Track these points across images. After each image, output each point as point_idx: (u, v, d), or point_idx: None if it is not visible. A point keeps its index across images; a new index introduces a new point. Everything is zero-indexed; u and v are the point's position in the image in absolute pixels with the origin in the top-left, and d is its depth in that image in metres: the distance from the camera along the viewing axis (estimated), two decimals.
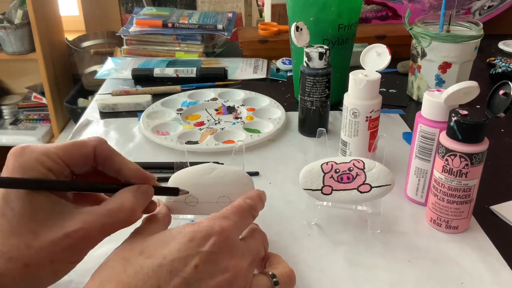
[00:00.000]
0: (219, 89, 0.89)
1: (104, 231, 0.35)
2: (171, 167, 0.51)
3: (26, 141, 2.12)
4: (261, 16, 1.51)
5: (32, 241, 0.32)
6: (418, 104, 0.86)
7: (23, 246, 0.32)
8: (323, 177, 0.50)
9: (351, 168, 0.50)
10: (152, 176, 0.40)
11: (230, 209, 0.38)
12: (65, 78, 2.25)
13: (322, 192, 0.50)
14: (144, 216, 0.42)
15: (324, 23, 0.76)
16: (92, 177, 0.39)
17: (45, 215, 0.33)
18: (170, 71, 0.95)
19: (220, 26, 1.09)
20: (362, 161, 0.50)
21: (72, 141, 0.37)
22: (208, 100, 0.84)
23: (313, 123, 0.72)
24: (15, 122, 2.22)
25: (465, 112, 0.47)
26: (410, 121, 0.79)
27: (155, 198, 0.46)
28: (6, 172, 0.34)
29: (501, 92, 0.49)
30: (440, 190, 0.50)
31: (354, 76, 0.59)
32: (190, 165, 0.48)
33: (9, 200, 0.33)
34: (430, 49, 0.79)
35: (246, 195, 0.41)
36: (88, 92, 2.16)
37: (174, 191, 0.44)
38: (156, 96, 0.86)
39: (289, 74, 1.00)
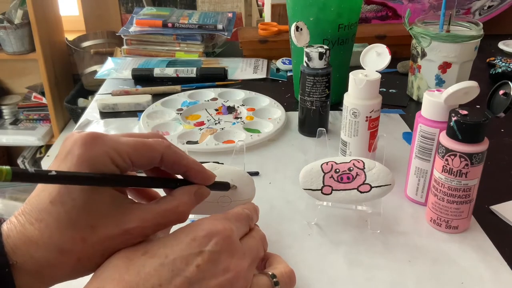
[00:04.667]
0: (219, 89, 0.89)
1: (157, 229, 0.35)
2: None
3: (26, 141, 2.12)
4: (261, 16, 1.51)
5: (89, 235, 0.31)
6: (418, 104, 0.86)
7: (78, 239, 0.31)
8: (323, 177, 0.50)
9: (351, 168, 0.50)
10: (213, 175, 0.40)
11: (230, 213, 0.39)
12: (65, 78, 2.25)
13: (322, 192, 0.50)
14: None
15: (324, 23, 0.76)
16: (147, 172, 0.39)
17: (105, 209, 0.32)
18: (170, 71, 0.95)
19: (220, 26, 1.09)
20: (362, 161, 0.50)
21: (143, 141, 0.35)
22: (208, 100, 0.84)
23: (313, 123, 0.72)
24: (15, 122, 2.22)
25: (465, 112, 0.47)
26: (410, 121, 0.79)
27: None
28: (71, 161, 0.32)
29: (501, 92, 0.49)
30: (440, 190, 0.50)
31: (354, 76, 0.59)
32: None
33: (72, 190, 0.31)
34: (430, 49, 0.80)
35: (243, 206, 0.41)
36: (88, 92, 2.16)
37: (225, 186, 0.44)
38: (156, 96, 0.86)
39: (289, 74, 1.00)
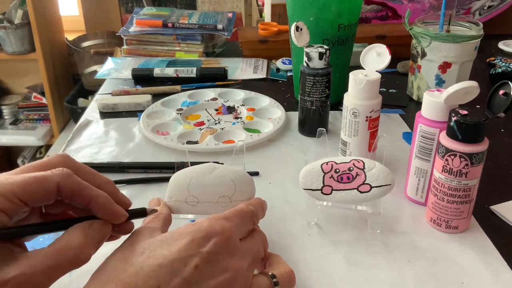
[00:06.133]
0: (219, 89, 0.89)
1: (50, 274, 0.31)
2: (171, 167, 0.51)
3: (26, 141, 2.13)
4: (261, 16, 1.51)
5: None
6: (418, 104, 0.86)
7: None
8: (323, 177, 0.50)
9: (351, 168, 0.50)
10: (122, 213, 0.36)
11: (233, 211, 0.38)
12: (65, 78, 2.25)
13: (322, 192, 0.50)
14: (145, 219, 0.42)
15: (324, 23, 0.76)
16: (61, 207, 0.36)
17: None
18: (170, 71, 0.95)
19: (220, 26, 1.09)
20: (362, 161, 0.50)
21: (32, 175, 0.32)
22: (208, 100, 0.84)
23: (313, 123, 0.72)
24: (15, 122, 2.22)
25: (465, 112, 0.47)
26: (410, 121, 0.79)
27: (156, 196, 0.46)
28: None
29: (501, 92, 0.49)
30: (440, 190, 0.50)
31: (354, 76, 0.59)
32: (191, 165, 0.48)
33: None
34: (430, 49, 0.79)
35: (248, 202, 0.41)
36: (88, 92, 2.16)
37: (142, 213, 0.40)
38: (156, 96, 0.86)
39: (289, 74, 1.00)
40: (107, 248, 0.37)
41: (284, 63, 1.03)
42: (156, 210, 0.41)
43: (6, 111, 2.23)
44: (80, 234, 0.33)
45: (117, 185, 0.40)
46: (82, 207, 0.34)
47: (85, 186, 0.34)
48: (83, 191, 0.34)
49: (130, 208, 0.38)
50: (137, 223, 0.41)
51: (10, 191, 0.31)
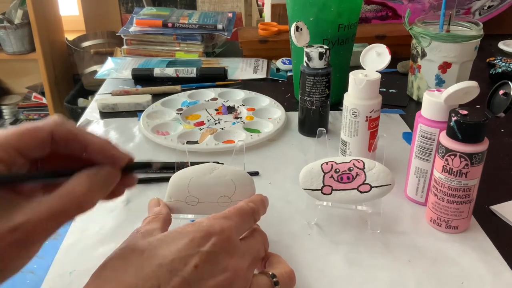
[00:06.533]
0: (219, 89, 0.89)
1: (56, 220, 0.31)
2: (171, 167, 0.51)
3: None
4: (261, 16, 1.51)
5: None
6: (418, 104, 0.86)
7: None
8: (323, 177, 0.50)
9: (351, 168, 0.50)
10: (123, 156, 0.35)
11: (232, 210, 0.38)
12: (65, 78, 2.25)
13: (322, 192, 0.50)
14: (145, 219, 0.42)
15: (324, 23, 0.76)
16: (59, 159, 0.35)
17: None
18: (170, 71, 0.95)
19: (220, 26, 1.09)
20: (362, 161, 0.50)
21: (26, 126, 0.32)
22: (208, 100, 0.84)
23: (313, 123, 0.72)
24: (15, 122, 2.22)
25: (465, 112, 0.47)
26: (410, 121, 0.79)
27: (156, 196, 0.46)
28: None
29: (501, 92, 0.49)
30: (440, 190, 0.50)
31: (354, 76, 0.59)
32: (191, 165, 0.48)
33: None
34: (430, 49, 0.80)
35: (249, 199, 0.41)
36: (88, 92, 2.16)
37: (147, 165, 0.38)
38: (156, 96, 0.86)
39: (289, 74, 1.00)
40: (107, 248, 0.37)
41: (284, 63, 1.03)
42: (159, 165, 0.39)
43: (6, 111, 2.24)
44: (85, 180, 0.32)
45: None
46: (80, 154, 0.34)
47: (79, 131, 0.33)
48: (78, 136, 0.33)
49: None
50: (137, 223, 0.41)
51: (6, 142, 0.31)
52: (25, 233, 0.29)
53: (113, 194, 0.35)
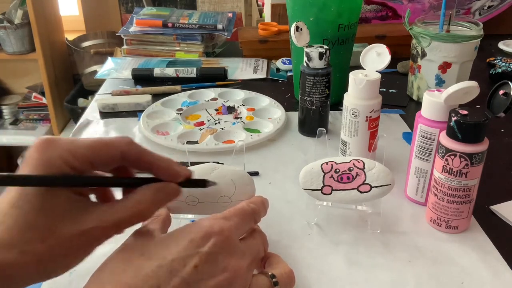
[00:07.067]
0: (219, 89, 0.89)
1: (118, 228, 0.34)
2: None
3: (26, 141, 2.12)
4: (261, 16, 1.51)
5: (48, 237, 0.31)
6: (418, 104, 0.86)
7: (38, 241, 0.31)
8: (323, 177, 0.50)
9: (351, 168, 0.50)
10: (184, 172, 0.38)
11: (233, 211, 0.38)
12: (65, 78, 2.25)
13: (322, 192, 0.50)
14: None
15: (324, 23, 0.76)
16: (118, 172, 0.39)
17: (63, 211, 0.32)
18: (170, 71, 0.95)
19: (220, 26, 1.09)
20: (362, 161, 0.50)
21: (100, 139, 0.35)
22: (208, 100, 0.84)
23: (313, 123, 0.72)
24: (15, 122, 2.22)
25: (465, 112, 0.47)
26: (410, 121, 0.79)
27: None
28: (28, 166, 0.33)
29: (501, 92, 0.49)
30: (440, 190, 0.50)
31: (354, 76, 0.59)
32: (191, 165, 0.48)
33: (29, 193, 0.32)
34: (430, 49, 0.79)
35: (250, 200, 0.41)
36: (88, 92, 2.16)
37: (201, 183, 0.41)
38: (156, 96, 0.86)
39: (289, 74, 1.00)
40: (107, 248, 0.37)
41: (284, 63, 1.03)
42: (216, 184, 0.42)
43: (6, 111, 2.23)
44: (150, 195, 0.36)
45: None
46: (146, 171, 0.37)
47: (147, 151, 0.37)
48: (144, 156, 0.37)
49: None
50: (137, 224, 0.41)
51: (81, 153, 0.34)
52: (91, 238, 0.33)
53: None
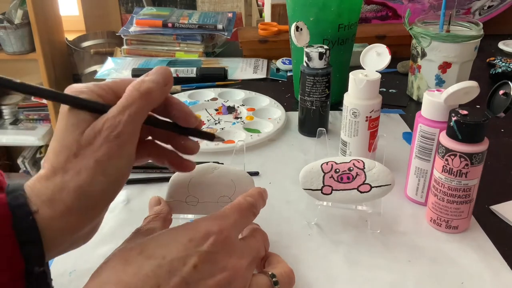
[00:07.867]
0: (219, 89, 0.89)
1: (127, 110, 0.34)
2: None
3: (26, 141, 2.12)
4: (261, 16, 1.51)
5: (79, 137, 0.33)
6: (418, 104, 0.86)
7: (72, 141, 0.33)
8: (323, 177, 0.50)
9: (351, 168, 0.50)
10: (193, 114, 0.40)
11: (230, 207, 0.38)
12: (65, 78, 2.25)
13: (322, 192, 0.50)
14: (145, 218, 0.42)
15: (324, 23, 0.76)
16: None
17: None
18: None
19: (220, 26, 1.09)
20: (362, 161, 0.50)
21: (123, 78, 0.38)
22: (208, 100, 0.84)
23: (313, 123, 0.72)
24: (15, 122, 2.22)
25: (465, 112, 0.47)
26: (410, 121, 0.79)
27: (156, 195, 0.46)
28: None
29: (501, 92, 0.49)
30: (440, 190, 0.50)
31: (354, 76, 0.59)
32: None
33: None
34: (430, 49, 0.80)
35: (247, 193, 0.41)
36: None
37: (210, 137, 0.42)
38: None
39: (289, 74, 1.00)
40: (107, 248, 0.37)
41: (284, 63, 1.03)
42: (223, 140, 0.44)
43: (6, 111, 2.23)
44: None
45: None
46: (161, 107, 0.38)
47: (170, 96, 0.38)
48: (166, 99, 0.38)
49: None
50: (137, 223, 0.41)
51: (105, 84, 0.36)
52: (113, 125, 0.33)
53: (181, 165, 0.42)
